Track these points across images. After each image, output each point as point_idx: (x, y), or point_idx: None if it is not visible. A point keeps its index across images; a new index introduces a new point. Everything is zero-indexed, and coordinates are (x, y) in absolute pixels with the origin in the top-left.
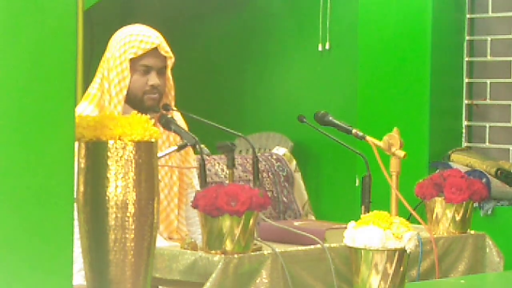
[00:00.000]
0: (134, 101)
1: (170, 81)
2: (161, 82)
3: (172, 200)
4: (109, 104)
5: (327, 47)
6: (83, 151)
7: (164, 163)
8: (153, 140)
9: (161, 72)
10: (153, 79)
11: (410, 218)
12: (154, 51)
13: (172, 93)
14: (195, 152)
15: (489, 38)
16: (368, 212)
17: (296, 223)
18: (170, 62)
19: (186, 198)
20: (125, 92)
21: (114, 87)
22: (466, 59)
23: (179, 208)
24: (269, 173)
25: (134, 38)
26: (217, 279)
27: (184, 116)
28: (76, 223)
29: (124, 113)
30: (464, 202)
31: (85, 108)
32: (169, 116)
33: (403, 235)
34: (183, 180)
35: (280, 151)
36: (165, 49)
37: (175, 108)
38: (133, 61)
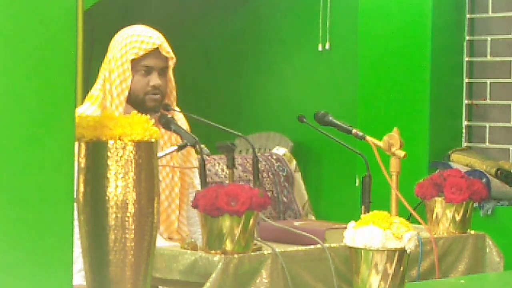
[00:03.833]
0: (135, 102)
1: (172, 82)
2: (163, 83)
3: (173, 201)
4: (111, 105)
5: (327, 47)
6: (83, 151)
7: (166, 164)
8: (153, 140)
9: (162, 72)
10: (154, 79)
11: (410, 218)
12: (156, 52)
13: (174, 93)
14: (196, 152)
15: (489, 38)
16: (368, 212)
17: (296, 223)
18: (171, 63)
19: (187, 198)
20: (126, 93)
21: (116, 88)
22: (466, 59)
23: (180, 208)
24: (269, 173)
25: (135, 39)
26: (217, 279)
27: (186, 116)
28: (76, 223)
29: (125, 113)
30: (464, 202)
31: (87, 109)
32: (170, 116)
33: (403, 235)
34: (185, 180)
35: (280, 151)
36: (166, 49)
37: (177, 109)
38: (134, 62)
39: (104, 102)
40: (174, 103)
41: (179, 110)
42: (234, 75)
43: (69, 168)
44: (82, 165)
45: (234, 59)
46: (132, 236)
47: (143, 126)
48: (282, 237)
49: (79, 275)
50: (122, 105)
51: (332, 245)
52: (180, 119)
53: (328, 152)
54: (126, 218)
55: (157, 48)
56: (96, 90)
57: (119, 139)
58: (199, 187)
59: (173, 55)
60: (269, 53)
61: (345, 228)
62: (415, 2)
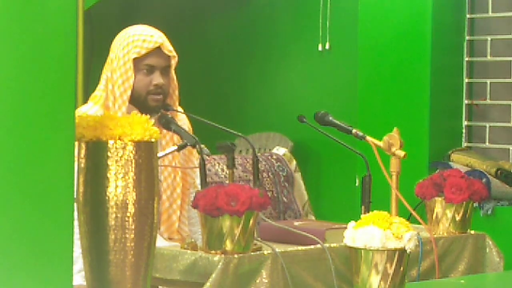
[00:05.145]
0: (138, 102)
1: (174, 81)
2: (165, 82)
3: (174, 201)
4: (114, 105)
5: (327, 47)
6: (83, 151)
7: (168, 164)
8: (153, 140)
9: (165, 71)
10: (157, 78)
11: (410, 218)
12: (158, 51)
13: (176, 92)
14: (196, 152)
15: (489, 38)
16: (368, 212)
17: (296, 223)
18: (173, 62)
19: (189, 198)
20: (129, 93)
21: (118, 87)
22: (466, 59)
23: (181, 208)
24: (269, 173)
25: (137, 38)
26: (217, 279)
27: (187, 116)
28: (76, 223)
29: (128, 113)
30: (464, 202)
31: (90, 108)
32: (170, 116)
33: (403, 235)
34: (187, 180)
35: (280, 151)
36: (168, 48)
37: (180, 110)
38: (136, 61)
39: (106, 102)
40: (177, 103)
41: (182, 110)
42: (234, 75)
43: (69, 168)
44: (82, 165)
45: (234, 59)
46: (132, 236)
47: (143, 126)
48: (282, 237)
49: (79, 275)
50: (125, 104)
51: (332, 245)
52: (182, 119)
53: (328, 152)
54: (126, 218)
55: (159, 47)
56: (99, 90)
57: (119, 139)
58: (200, 187)
59: (175, 54)
60: (269, 53)
61: (345, 228)
62: (415, 2)
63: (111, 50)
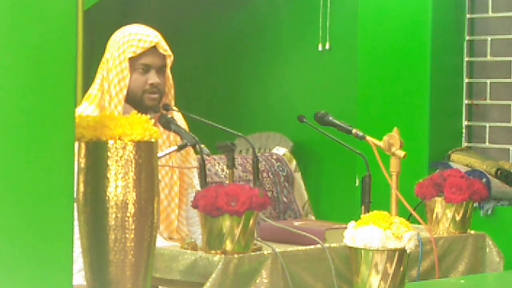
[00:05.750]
0: (134, 101)
1: (170, 80)
2: (161, 81)
3: (172, 200)
4: (109, 104)
5: (327, 47)
6: (83, 151)
7: (165, 163)
8: (153, 140)
9: (160, 70)
10: (152, 77)
11: (410, 218)
12: (153, 50)
13: (172, 92)
14: (196, 152)
15: (489, 38)
16: (368, 212)
17: (296, 223)
18: (169, 61)
19: (187, 198)
20: (125, 92)
21: (114, 87)
22: (466, 59)
23: (179, 208)
24: (269, 173)
25: (133, 37)
26: (217, 279)
27: (184, 116)
28: (76, 223)
29: (124, 113)
30: (464, 202)
31: (86, 109)
32: (169, 116)
33: (403, 235)
34: (184, 180)
35: (280, 151)
36: (164, 47)
37: (175, 108)
38: (132, 61)
39: (102, 102)
40: (172, 102)
41: (177, 109)
42: (234, 75)
43: (69, 168)
44: (82, 165)
45: (234, 59)
46: (132, 236)
47: (143, 126)
48: (282, 237)
49: (79, 275)
50: (121, 104)
51: (332, 245)
52: (179, 119)
53: (328, 152)
54: (126, 218)
55: (155, 46)
56: (94, 89)
57: (119, 139)
58: (198, 187)
59: (170, 53)
60: (269, 53)
61: (345, 228)
62: (415, 2)
63: (106, 49)
